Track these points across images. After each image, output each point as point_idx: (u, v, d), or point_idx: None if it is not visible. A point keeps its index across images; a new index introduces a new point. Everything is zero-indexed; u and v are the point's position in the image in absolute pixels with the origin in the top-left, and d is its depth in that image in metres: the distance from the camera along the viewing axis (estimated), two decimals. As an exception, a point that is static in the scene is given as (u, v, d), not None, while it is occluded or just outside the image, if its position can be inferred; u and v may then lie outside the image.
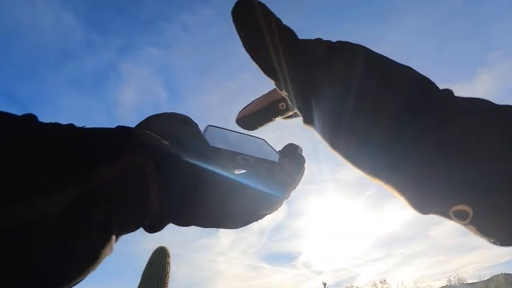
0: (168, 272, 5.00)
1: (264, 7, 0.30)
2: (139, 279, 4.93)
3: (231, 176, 0.25)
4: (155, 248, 5.28)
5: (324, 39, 0.29)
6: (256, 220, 0.27)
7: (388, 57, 0.26)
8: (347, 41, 0.28)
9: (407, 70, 0.24)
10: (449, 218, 0.21)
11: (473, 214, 0.18)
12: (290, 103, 0.31)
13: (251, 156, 0.27)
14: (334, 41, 0.29)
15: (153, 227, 0.23)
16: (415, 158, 0.21)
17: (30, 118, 0.18)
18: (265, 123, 0.39)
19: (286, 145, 0.29)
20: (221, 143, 0.27)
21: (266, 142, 0.30)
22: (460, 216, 0.19)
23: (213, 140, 0.27)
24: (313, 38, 0.30)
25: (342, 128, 0.24)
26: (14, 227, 0.15)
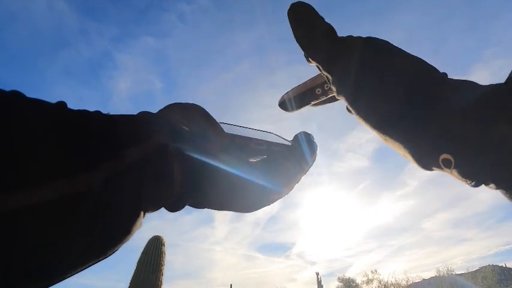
0: (163, 260, 5.05)
1: (312, 9, 0.38)
2: (134, 267, 4.97)
3: (243, 168, 0.26)
4: (150, 237, 5.31)
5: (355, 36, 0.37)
6: (269, 204, 0.29)
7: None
8: (373, 37, 0.36)
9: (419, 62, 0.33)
10: (441, 168, 0.28)
11: (455, 162, 0.26)
12: (327, 87, 0.41)
13: (264, 140, 0.29)
14: (364, 37, 0.36)
15: (174, 206, 0.24)
16: (415, 125, 0.29)
17: (62, 105, 0.20)
18: (303, 106, 0.45)
19: (298, 133, 0.32)
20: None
21: (276, 135, 0.32)
22: (446, 165, 0.27)
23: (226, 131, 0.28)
24: (347, 36, 0.38)
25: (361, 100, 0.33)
26: (52, 203, 0.16)
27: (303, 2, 0.38)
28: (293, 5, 0.38)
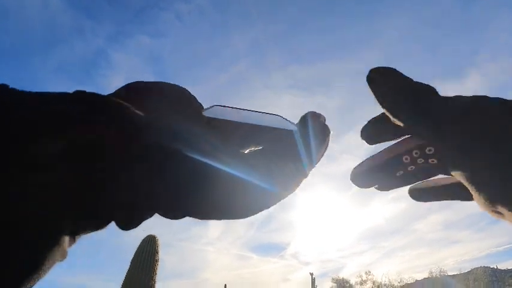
0: (157, 260, 5.02)
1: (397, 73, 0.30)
2: (128, 267, 4.94)
3: (233, 164, 0.20)
4: (144, 237, 5.29)
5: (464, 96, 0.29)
6: (275, 203, 0.22)
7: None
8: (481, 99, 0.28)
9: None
10: None
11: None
12: (428, 151, 0.31)
13: (261, 125, 0.23)
14: (471, 98, 0.28)
15: (126, 222, 0.18)
16: None
17: None
18: (384, 179, 0.33)
19: (306, 113, 0.24)
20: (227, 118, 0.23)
21: (282, 117, 0.25)
22: None
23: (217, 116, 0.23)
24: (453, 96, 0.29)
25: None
26: None
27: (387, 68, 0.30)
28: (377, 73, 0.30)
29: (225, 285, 13.20)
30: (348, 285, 18.19)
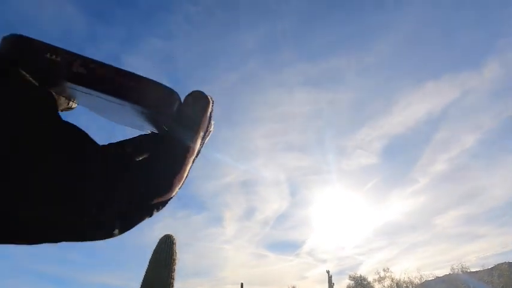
0: (175, 259, 5.12)
1: None
2: (147, 266, 5.06)
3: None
4: (161, 236, 5.40)
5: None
6: (149, 212, 0.18)
7: None
8: None
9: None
10: None
11: None
12: None
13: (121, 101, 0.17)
14: None
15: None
16: None
17: None
18: None
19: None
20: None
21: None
22: None
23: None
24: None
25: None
26: None
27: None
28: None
29: (242, 284, 13.29)
30: (366, 282, 17.93)
